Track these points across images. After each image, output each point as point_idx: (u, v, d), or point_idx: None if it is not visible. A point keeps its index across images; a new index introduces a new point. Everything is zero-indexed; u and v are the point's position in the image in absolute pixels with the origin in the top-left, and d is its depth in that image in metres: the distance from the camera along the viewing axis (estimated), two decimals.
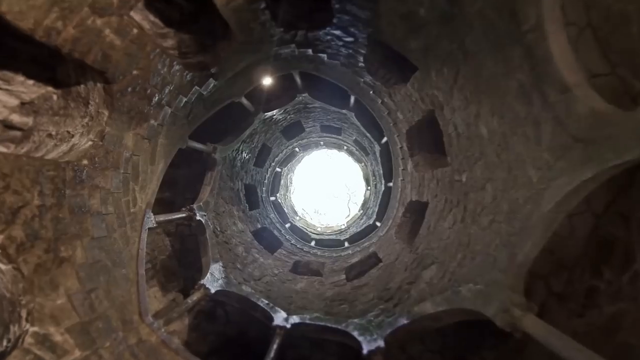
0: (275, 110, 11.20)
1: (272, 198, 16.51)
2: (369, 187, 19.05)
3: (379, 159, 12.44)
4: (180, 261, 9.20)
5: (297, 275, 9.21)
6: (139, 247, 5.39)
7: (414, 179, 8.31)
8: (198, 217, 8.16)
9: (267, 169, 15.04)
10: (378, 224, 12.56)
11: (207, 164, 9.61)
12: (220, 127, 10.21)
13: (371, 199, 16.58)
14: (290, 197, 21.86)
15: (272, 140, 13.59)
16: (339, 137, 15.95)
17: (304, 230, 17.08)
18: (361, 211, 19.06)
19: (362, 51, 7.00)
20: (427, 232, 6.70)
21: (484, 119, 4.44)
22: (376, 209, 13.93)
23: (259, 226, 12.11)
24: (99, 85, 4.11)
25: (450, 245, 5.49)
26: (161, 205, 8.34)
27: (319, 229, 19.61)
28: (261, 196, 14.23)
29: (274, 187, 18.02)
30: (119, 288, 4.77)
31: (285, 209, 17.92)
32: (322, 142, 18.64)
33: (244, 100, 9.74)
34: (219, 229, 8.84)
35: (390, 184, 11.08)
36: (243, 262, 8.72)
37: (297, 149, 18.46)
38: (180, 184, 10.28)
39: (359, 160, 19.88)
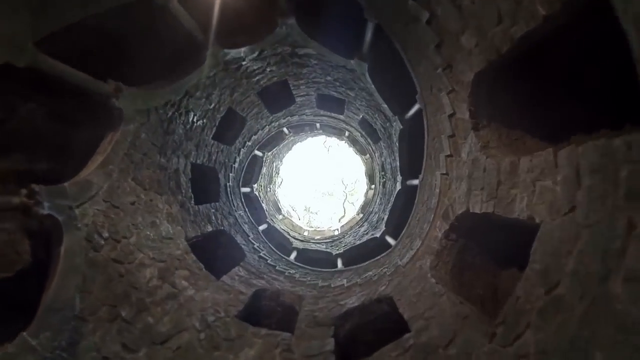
0: (244, 49, 7.06)
1: (245, 189, 12.37)
2: (372, 186, 14.96)
3: (397, 144, 8.33)
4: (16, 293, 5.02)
5: (248, 328, 5.12)
6: None
7: (475, 172, 4.34)
8: (46, 211, 4.08)
9: (239, 149, 10.91)
10: (390, 240, 8.49)
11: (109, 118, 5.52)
12: (139, 55, 6.12)
13: (376, 201, 12.50)
14: (274, 191, 17.75)
15: (245, 105, 9.45)
16: (341, 116, 11.85)
17: (285, 234, 12.99)
18: (361, 215, 14.97)
19: None
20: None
21: None
22: (386, 217, 9.84)
23: (210, 229, 8.00)
24: None
25: None
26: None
27: (305, 234, 15.52)
28: (226, 185, 10.11)
29: (249, 175, 13.90)
30: None
31: (264, 205, 13.82)
32: (318, 125, 14.54)
33: (182, 11, 5.66)
34: (106, 235, 4.73)
35: (415, 182, 7.01)
36: (141, 303, 4.59)
37: (285, 130, 14.35)
38: (75, 150, 6.13)
39: (362, 152, 15.79)
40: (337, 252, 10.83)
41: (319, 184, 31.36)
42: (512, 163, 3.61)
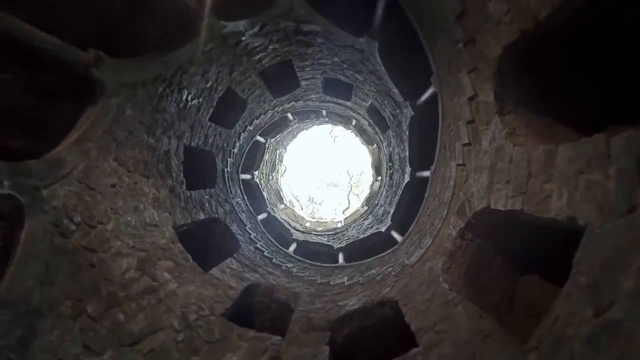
0: (243, 22, 6.46)
1: (245, 176, 11.84)
2: (379, 177, 14.37)
3: (407, 132, 7.73)
4: None
5: (234, 329, 4.60)
6: None
7: (499, 163, 3.77)
8: (5, 190, 3.57)
9: (239, 133, 10.35)
10: (397, 236, 7.93)
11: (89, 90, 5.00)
12: (128, 26, 5.60)
13: (382, 193, 11.91)
14: (277, 179, 17.22)
15: (245, 86, 8.86)
16: (348, 102, 11.22)
17: (286, 224, 12.48)
18: (365, 207, 14.40)
19: None
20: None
21: None
22: (392, 210, 9.27)
23: (203, 217, 7.49)
24: None
25: None
26: None
27: (307, 225, 15.01)
28: (223, 170, 9.58)
29: (250, 162, 13.37)
30: None
31: (265, 193, 13.31)
32: (324, 112, 13.92)
33: None
34: (78, 220, 4.21)
35: (426, 173, 6.43)
36: (112, 297, 4.08)
37: (289, 116, 13.75)
38: (54, 126, 5.63)
39: (369, 142, 15.18)
40: (339, 246, 10.29)
41: (324, 174, 30.79)
42: (547, 152, 3.02)
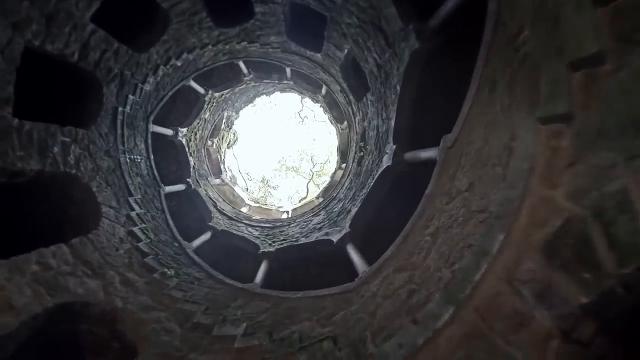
0: None
1: (163, 130, 8.57)
2: (343, 164, 11.47)
3: (399, 86, 4.77)
4: None
5: None
6: None
7: None
8: None
9: (156, 65, 7.11)
10: (355, 257, 5.01)
11: None
12: None
13: (344, 184, 8.93)
14: (221, 148, 13.93)
15: None
16: (318, 55, 8.20)
17: (211, 204, 9.36)
18: (320, 200, 11.45)
19: None
20: None
21: None
22: (354, 210, 6.37)
23: (38, 167, 4.25)
24: None
25: None
26: None
27: (244, 210, 11.91)
28: (117, 110, 6.33)
29: (180, 115, 10.12)
30: None
31: (192, 160, 10.09)
32: (288, 71, 10.81)
33: None
34: None
35: (429, 152, 3.52)
36: None
37: (242, 66, 10.58)
38: None
39: (339, 119, 12.25)
40: (267, 250, 7.12)
41: (286, 154, 27.53)
42: None
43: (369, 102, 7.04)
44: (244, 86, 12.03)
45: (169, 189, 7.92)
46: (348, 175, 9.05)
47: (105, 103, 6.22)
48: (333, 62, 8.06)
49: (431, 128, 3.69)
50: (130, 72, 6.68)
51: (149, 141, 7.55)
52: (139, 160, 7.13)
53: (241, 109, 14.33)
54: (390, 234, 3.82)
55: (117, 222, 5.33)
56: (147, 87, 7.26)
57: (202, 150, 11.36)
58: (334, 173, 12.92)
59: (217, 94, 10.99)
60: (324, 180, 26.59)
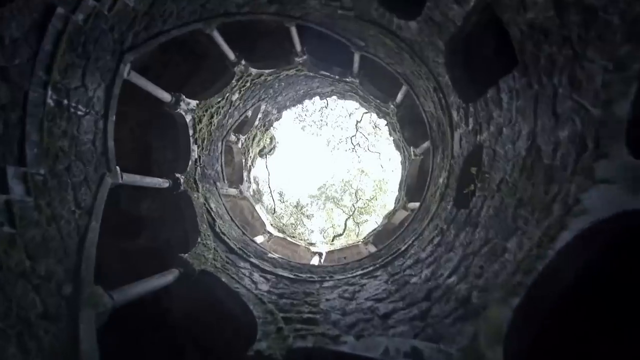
0: None
1: (166, 99, 5.42)
2: (411, 203, 7.89)
3: None
4: None
5: None
6: None
7: None
8: None
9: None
10: None
11: None
12: None
13: (424, 236, 5.26)
14: (249, 147, 10.79)
15: None
16: (414, 21, 4.88)
17: (208, 216, 6.01)
18: (369, 247, 7.84)
19: None
20: None
21: None
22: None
23: None
24: None
25: None
26: None
27: (259, 238, 8.45)
28: (52, 9, 3.14)
29: (188, 75, 7.06)
30: None
31: (219, 161, 6.92)
32: (356, 59, 7.76)
33: None
34: None
35: None
36: None
37: (295, 37, 7.49)
38: None
39: (410, 140, 8.82)
40: (267, 348, 3.22)
41: (328, 180, 23.96)
42: None
43: (501, 99, 3.52)
44: (293, 73, 8.86)
45: (138, 180, 4.66)
46: (426, 221, 5.43)
47: None
48: (438, 34, 4.64)
49: None
50: None
51: (114, 91, 4.38)
52: (82, 114, 3.94)
53: (285, 108, 11.15)
54: None
55: None
56: None
57: (219, 144, 8.14)
58: (392, 214, 9.26)
59: (254, 71, 7.84)
60: (363, 219, 22.67)
